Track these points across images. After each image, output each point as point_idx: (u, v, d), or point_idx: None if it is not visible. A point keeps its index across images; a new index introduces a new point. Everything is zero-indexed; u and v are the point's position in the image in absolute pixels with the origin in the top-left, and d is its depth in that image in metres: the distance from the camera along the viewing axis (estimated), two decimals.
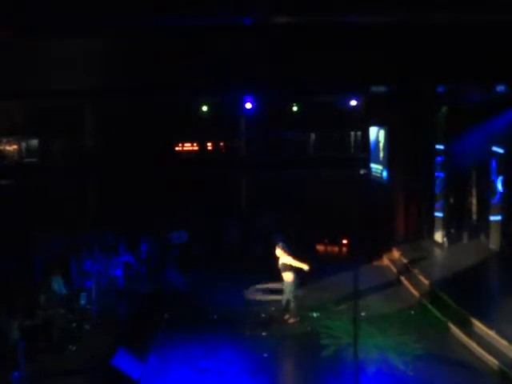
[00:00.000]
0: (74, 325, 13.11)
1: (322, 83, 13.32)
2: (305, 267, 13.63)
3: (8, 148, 24.01)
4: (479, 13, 11.00)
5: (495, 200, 17.55)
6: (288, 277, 13.79)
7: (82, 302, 14.24)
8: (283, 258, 13.78)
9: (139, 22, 11.49)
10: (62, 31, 12.06)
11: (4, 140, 23.65)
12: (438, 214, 19.66)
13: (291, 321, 13.76)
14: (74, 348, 12.15)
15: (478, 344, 11.70)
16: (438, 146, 19.63)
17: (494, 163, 17.64)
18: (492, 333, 11.73)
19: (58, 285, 14.29)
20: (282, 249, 13.84)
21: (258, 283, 16.18)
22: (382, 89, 14.41)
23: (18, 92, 14.33)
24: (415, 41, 12.22)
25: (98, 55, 12.64)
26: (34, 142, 24.06)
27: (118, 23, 11.55)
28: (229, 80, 12.80)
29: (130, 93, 16.08)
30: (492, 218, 17.75)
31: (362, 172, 22.67)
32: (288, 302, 13.88)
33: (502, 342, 11.34)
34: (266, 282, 15.65)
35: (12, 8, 10.49)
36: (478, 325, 12.29)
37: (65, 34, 12.27)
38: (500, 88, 13.55)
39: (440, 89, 14.25)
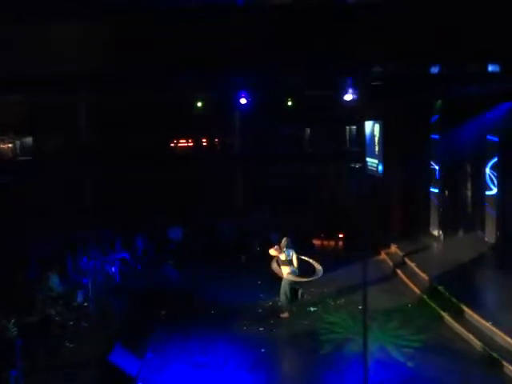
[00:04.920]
0: (71, 322, 13.10)
1: (319, 65, 13.14)
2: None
3: (2, 146, 23.92)
4: None
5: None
6: (285, 271, 13.95)
7: (79, 299, 14.24)
8: (285, 253, 14.00)
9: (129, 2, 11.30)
10: (57, 13, 11.87)
11: None
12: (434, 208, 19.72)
13: (284, 315, 13.87)
14: (72, 345, 12.14)
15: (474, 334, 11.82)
16: (432, 140, 19.66)
17: (488, 155, 17.64)
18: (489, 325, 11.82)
19: (54, 282, 14.27)
20: (286, 244, 14.06)
21: (255, 278, 16.20)
22: (378, 69, 14.21)
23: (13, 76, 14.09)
24: (410, 18, 12.07)
25: (86, 38, 12.44)
26: (29, 140, 23.96)
27: (105, 4, 11.36)
28: (220, 62, 12.60)
29: (120, 79, 15.78)
30: (487, 210, 17.80)
31: (356, 166, 22.67)
32: (286, 295, 14.01)
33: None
34: None
35: None
36: (475, 316, 12.38)
37: (60, 16, 12.07)
38: (493, 68, 13.41)
39: (434, 70, 14.08)
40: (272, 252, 14.15)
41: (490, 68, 12.94)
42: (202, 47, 11.83)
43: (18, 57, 11.98)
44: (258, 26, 11.78)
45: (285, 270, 13.97)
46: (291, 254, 14.02)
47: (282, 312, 13.97)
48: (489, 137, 17.42)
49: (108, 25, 11.98)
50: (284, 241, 14.13)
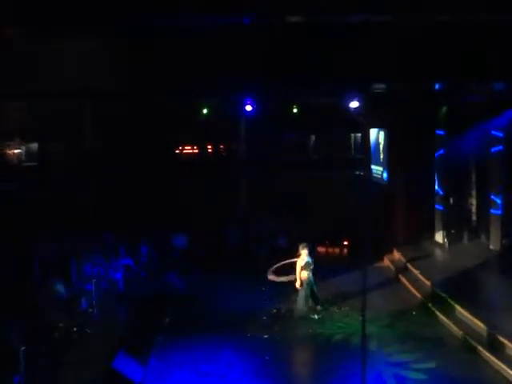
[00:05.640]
0: (75, 328, 13.11)
1: (322, 82, 13.27)
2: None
3: (9, 152, 23.99)
4: (479, 13, 11.00)
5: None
6: (304, 276, 14.24)
7: (83, 305, 14.26)
8: (304, 258, 14.27)
9: (138, 21, 11.43)
10: (63, 31, 12.00)
11: (5, 144, 23.61)
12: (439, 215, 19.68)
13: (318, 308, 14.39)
14: (75, 351, 12.14)
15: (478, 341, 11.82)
16: (437, 148, 19.65)
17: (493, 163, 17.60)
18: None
19: (58, 288, 14.29)
20: (304, 249, 14.34)
21: (260, 285, 16.18)
22: (381, 86, 14.38)
23: (18, 92, 14.26)
24: (415, 38, 12.17)
25: (96, 56, 12.58)
26: (34, 146, 24.04)
27: (118, 23, 11.50)
28: (227, 80, 12.74)
29: (128, 94, 16.03)
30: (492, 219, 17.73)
31: (360, 173, 22.63)
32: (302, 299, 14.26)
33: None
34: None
35: (16, 8, 10.45)
36: (478, 323, 12.38)
37: (66, 34, 12.21)
38: (498, 86, 13.50)
39: (438, 86, 14.22)
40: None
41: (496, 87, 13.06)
42: (212, 64, 12.01)
43: (29, 72, 12.15)
44: (262, 43, 11.94)
45: (303, 275, 14.26)
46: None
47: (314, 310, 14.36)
48: (494, 132, 17.38)
49: (118, 43, 12.18)
50: (302, 247, 14.36)
